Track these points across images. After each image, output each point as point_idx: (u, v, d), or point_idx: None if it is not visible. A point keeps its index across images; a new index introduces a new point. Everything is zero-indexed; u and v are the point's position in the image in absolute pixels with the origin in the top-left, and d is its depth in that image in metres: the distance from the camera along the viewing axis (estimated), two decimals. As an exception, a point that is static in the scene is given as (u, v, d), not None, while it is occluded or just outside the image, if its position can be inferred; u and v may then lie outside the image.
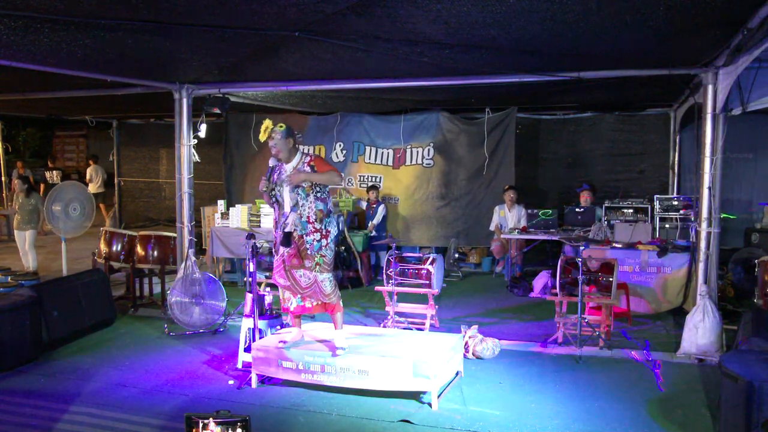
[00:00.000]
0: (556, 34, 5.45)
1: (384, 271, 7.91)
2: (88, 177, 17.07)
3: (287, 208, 5.86)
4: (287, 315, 6.41)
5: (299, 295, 6.00)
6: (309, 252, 5.84)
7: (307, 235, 5.84)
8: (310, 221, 5.84)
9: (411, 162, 12.05)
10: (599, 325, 7.30)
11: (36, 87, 9.22)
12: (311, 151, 12.47)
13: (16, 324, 6.73)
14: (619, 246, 8.54)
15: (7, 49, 6.04)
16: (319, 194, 5.88)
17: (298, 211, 5.82)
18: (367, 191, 11.43)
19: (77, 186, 9.59)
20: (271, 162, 5.91)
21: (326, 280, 5.92)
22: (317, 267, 5.87)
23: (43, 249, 13.87)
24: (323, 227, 5.88)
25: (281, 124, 5.88)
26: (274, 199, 5.95)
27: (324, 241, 5.88)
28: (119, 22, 5.12)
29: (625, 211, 10.03)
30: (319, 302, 6.01)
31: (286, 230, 5.83)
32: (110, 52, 6.38)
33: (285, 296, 6.09)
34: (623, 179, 11.76)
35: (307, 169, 5.86)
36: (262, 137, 5.86)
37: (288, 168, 5.91)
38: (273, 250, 6.12)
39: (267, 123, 5.85)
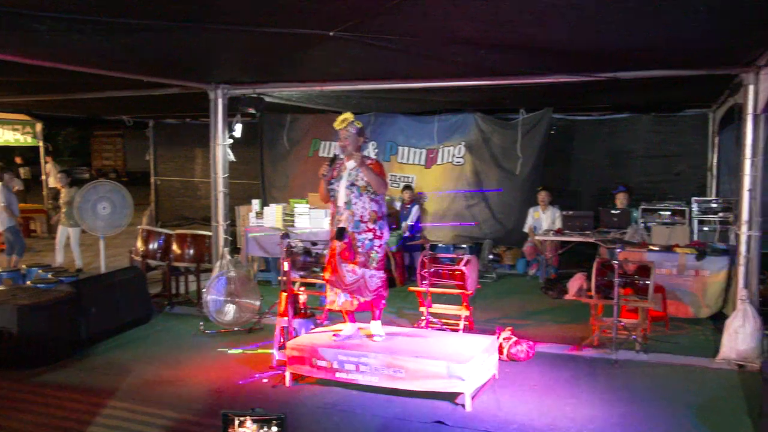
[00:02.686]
0: (594, 34, 5.39)
1: (418, 271, 7.90)
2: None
3: (341, 203, 6.01)
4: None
5: (339, 292, 6.10)
6: (360, 250, 5.97)
7: (359, 234, 5.97)
8: (363, 221, 5.98)
9: (442, 161, 12.03)
10: (635, 328, 7.21)
11: (76, 88, 9.36)
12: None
13: (56, 320, 6.87)
14: (656, 249, 8.42)
15: (51, 49, 6.15)
16: (373, 195, 6.01)
17: (351, 209, 5.96)
18: (402, 191, 11.41)
19: (109, 185, 9.70)
20: (337, 151, 6.08)
21: (374, 277, 6.05)
22: (369, 260, 6.01)
23: (81, 246, 14.10)
24: (377, 228, 6.03)
25: (359, 122, 6.07)
26: (332, 193, 6.09)
27: (377, 242, 6.04)
28: (158, 23, 5.17)
29: (662, 213, 9.90)
30: (365, 299, 6.11)
31: (340, 225, 5.97)
32: (148, 52, 6.47)
33: (327, 293, 6.23)
34: (660, 181, 11.59)
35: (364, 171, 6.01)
36: (338, 125, 6.01)
37: (348, 165, 6.05)
38: (328, 245, 6.23)
39: (348, 115, 6.02)
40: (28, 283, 8.43)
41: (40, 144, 16.42)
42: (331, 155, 12.52)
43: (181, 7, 4.77)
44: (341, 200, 6.01)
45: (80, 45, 5.96)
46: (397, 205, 11.45)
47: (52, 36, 5.57)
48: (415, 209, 11.14)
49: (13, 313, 6.55)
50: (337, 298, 6.19)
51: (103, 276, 8.44)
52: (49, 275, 8.65)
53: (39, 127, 15.99)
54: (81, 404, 5.69)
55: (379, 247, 6.06)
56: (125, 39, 5.85)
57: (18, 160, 18.42)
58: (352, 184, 5.98)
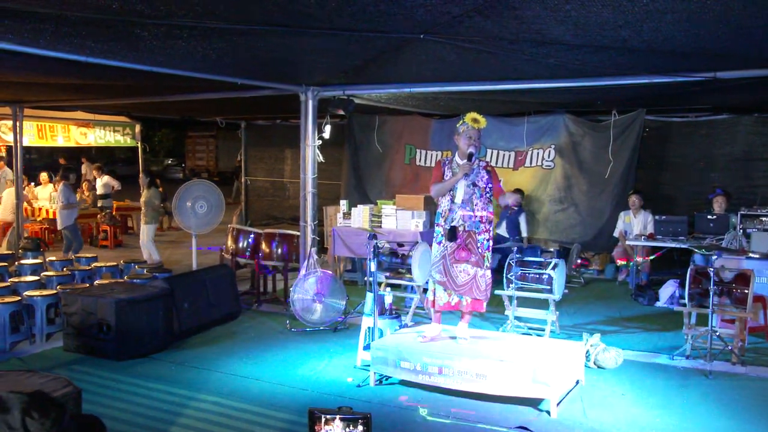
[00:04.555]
0: (692, 35, 5.20)
1: (504, 274, 7.82)
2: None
3: (458, 200, 6.04)
4: (430, 311, 6.54)
5: (452, 293, 6.15)
6: (480, 250, 6.05)
7: (478, 234, 6.05)
8: (483, 221, 6.08)
9: (531, 164, 11.87)
10: (732, 339, 6.92)
11: (173, 90, 9.68)
12: (439, 156, 12.48)
13: (152, 314, 7.13)
14: (756, 256, 8.05)
15: (148, 53, 6.39)
16: (490, 197, 6.13)
17: (467, 208, 6.04)
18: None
19: (205, 184, 9.98)
20: (473, 150, 6.10)
21: (484, 277, 6.11)
22: (483, 259, 6.08)
23: (174, 243, 14.62)
24: (491, 229, 6.17)
25: None
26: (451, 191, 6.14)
27: (491, 242, 6.17)
28: (252, 27, 5.30)
29: (764, 219, 9.45)
30: (471, 299, 6.15)
31: (453, 224, 6.03)
32: (242, 55, 6.63)
33: (437, 294, 6.25)
34: (761, 185, 11.05)
35: (483, 173, 6.14)
36: (477, 125, 6.12)
37: (464, 164, 6.08)
38: (435, 243, 6.25)
39: (477, 115, 6.13)
40: (125, 278, 8.79)
41: (139, 144, 17.08)
42: (429, 164, 12.65)
43: (275, 13, 4.87)
44: (459, 197, 6.05)
45: (178, 50, 6.17)
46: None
47: (153, 42, 5.79)
48: (523, 218, 10.89)
49: (111, 307, 6.84)
50: (450, 299, 6.21)
51: (195, 272, 8.71)
52: (145, 271, 8.99)
53: (138, 128, 16.63)
54: (172, 396, 5.89)
55: (491, 248, 6.19)
56: (220, 44, 6.02)
57: (61, 161, 18.73)
58: (474, 184, 6.06)
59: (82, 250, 12.62)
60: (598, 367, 6.59)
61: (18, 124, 11.96)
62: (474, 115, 6.15)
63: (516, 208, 10.85)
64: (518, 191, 11.11)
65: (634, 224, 10.50)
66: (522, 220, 10.88)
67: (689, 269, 7.19)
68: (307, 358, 6.95)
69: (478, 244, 6.05)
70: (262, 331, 8.02)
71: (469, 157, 6.09)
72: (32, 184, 15.68)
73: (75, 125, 15.19)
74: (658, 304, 9.13)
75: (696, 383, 6.25)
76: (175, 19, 4.97)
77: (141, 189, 11.95)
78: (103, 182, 15.67)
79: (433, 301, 6.30)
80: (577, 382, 6.06)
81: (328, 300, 8.00)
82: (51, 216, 14.36)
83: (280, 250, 9.21)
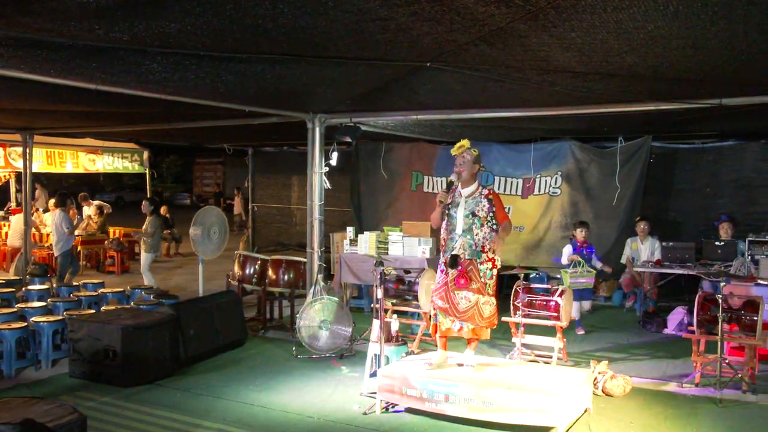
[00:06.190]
0: (697, 61, 5.23)
1: (511, 301, 7.79)
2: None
3: (458, 230, 6.04)
4: (433, 336, 6.51)
5: (455, 319, 6.11)
6: (482, 279, 6.02)
7: (480, 264, 6.01)
8: (485, 251, 6.04)
9: (540, 191, 11.86)
10: (742, 367, 6.86)
11: (180, 117, 9.76)
12: (444, 183, 12.48)
13: (158, 340, 7.10)
14: (765, 283, 8.00)
15: (158, 85, 6.47)
16: (494, 226, 6.07)
17: (467, 237, 6.01)
18: (575, 228, 9.90)
19: (217, 211, 10.01)
20: (453, 177, 6.10)
21: (487, 304, 6.07)
22: (485, 287, 6.04)
23: (180, 269, 14.62)
24: (496, 258, 6.10)
25: (475, 150, 6.15)
26: (446, 219, 6.15)
27: (495, 270, 6.12)
28: (260, 56, 5.36)
29: (772, 246, 9.41)
30: (474, 326, 6.11)
31: (454, 252, 6.02)
32: (250, 84, 6.69)
33: (439, 319, 6.25)
34: (769, 212, 11.02)
35: (485, 202, 6.08)
36: (455, 152, 6.13)
37: (464, 192, 6.12)
38: (438, 270, 6.27)
39: (465, 142, 6.12)
40: (132, 304, 8.79)
41: (147, 171, 17.16)
42: (435, 191, 12.65)
43: (283, 43, 4.92)
44: (459, 228, 6.05)
45: (187, 82, 6.25)
46: (568, 249, 9.74)
47: (162, 74, 5.86)
48: (594, 252, 9.70)
49: (118, 333, 6.83)
50: (452, 325, 6.17)
51: (202, 299, 8.70)
52: (151, 297, 8.98)
53: (146, 155, 16.73)
54: (177, 423, 5.86)
55: (495, 276, 6.15)
56: (228, 76, 6.10)
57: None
58: (473, 214, 6.04)
59: (89, 276, 12.66)
60: (606, 394, 6.53)
61: (28, 150, 12.06)
62: (460, 142, 6.12)
63: (586, 243, 9.71)
64: (584, 224, 9.85)
65: (642, 250, 10.45)
66: (594, 255, 9.74)
67: (697, 296, 7.15)
68: (314, 385, 6.92)
69: (481, 274, 6.02)
70: (269, 358, 7.99)
71: (448, 186, 6.12)
72: (40, 210, 15.72)
73: (84, 152, 15.29)
74: (667, 331, 9.08)
75: (706, 411, 6.19)
76: (185, 49, 5.03)
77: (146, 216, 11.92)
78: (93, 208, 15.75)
79: (436, 327, 6.28)
80: (585, 410, 6.01)
81: (334, 327, 7.97)
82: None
83: (286, 277, 9.20)
